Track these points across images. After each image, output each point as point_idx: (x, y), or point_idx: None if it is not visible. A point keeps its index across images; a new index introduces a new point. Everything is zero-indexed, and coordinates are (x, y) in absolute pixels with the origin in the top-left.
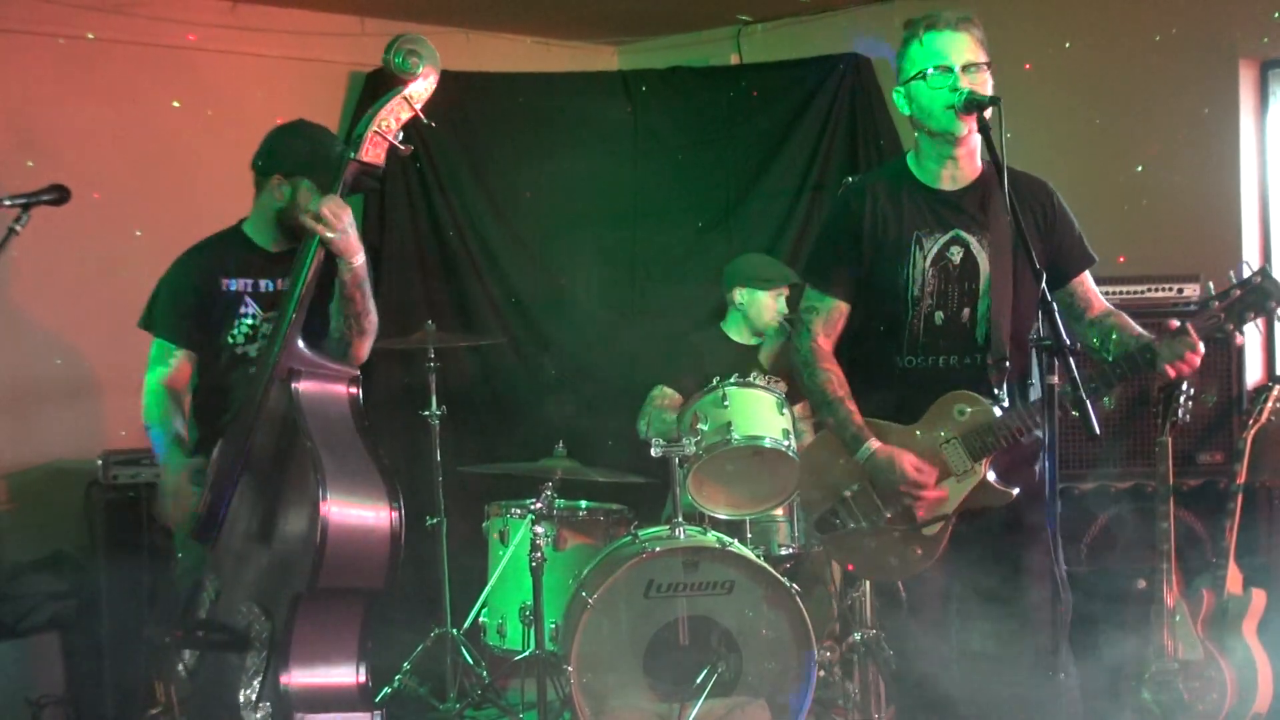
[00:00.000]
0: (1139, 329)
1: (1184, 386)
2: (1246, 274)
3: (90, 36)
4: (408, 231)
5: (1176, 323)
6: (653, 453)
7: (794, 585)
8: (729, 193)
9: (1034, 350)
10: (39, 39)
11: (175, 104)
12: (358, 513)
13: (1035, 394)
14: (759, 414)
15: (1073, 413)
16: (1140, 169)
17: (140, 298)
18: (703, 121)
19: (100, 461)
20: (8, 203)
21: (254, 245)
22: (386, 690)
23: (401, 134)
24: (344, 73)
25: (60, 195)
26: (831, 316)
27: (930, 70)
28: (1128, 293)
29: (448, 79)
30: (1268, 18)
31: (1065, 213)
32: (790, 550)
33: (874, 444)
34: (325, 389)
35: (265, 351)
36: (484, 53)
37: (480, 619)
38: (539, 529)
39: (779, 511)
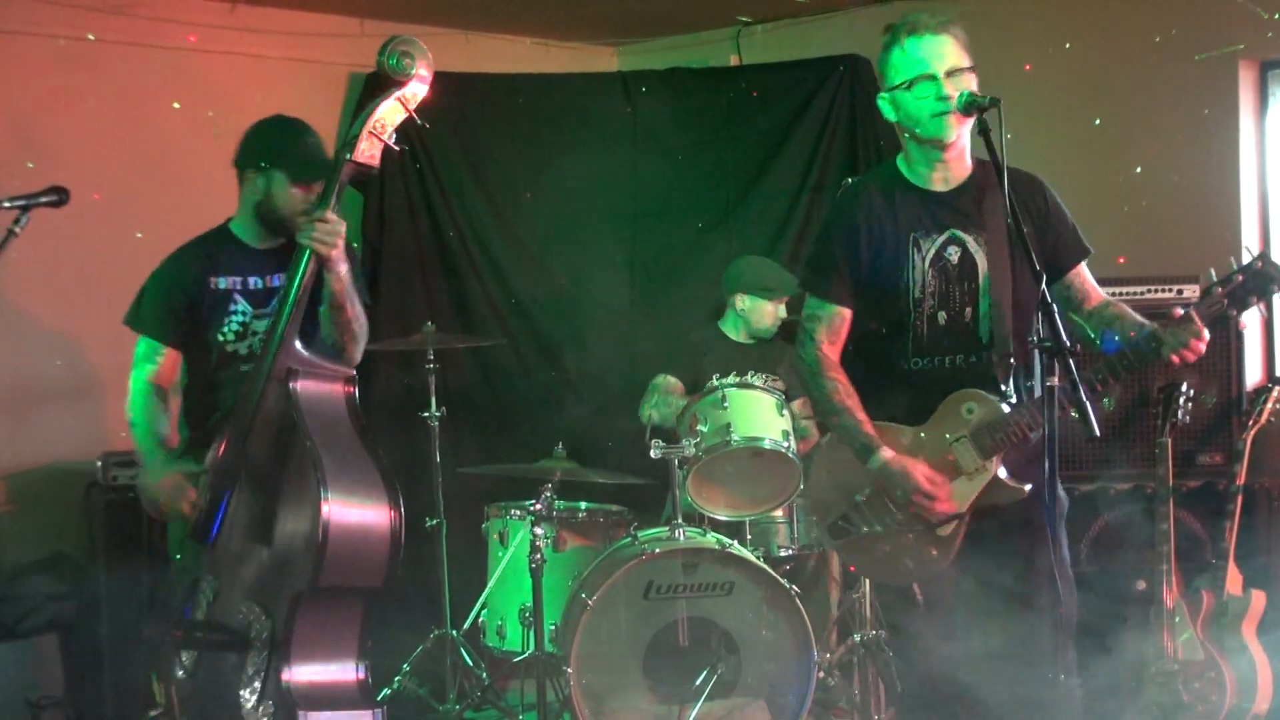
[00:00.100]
0: (1139, 318)
1: (1184, 387)
2: (1247, 259)
3: (90, 37)
4: (408, 232)
5: (1181, 311)
6: (652, 454)
7: (794, 587)
8: (729, 193)
9: (1034, 350)
10: (39, 39)
11: (175, 105)
12: (358, 512)
13: (1038, 391)
14: (758, 415)
15: (1072, 414)
16: (1140, 169)
17: None
18: (702, 122)
19: (100, 462)
20: (7, 205)
21: (241, 243)
22: (386, 691)
23: (395, 134)
24: (343, 74)
25: (59, 197)
26: (834, 323)
27: (915, 79)
28: (1127, 293)
29: (448, 80)
30: (1268, 18)
31: (1058, 206)
32: (790, 551)
33: (885, 454)
34: (323, 389)
35: (262, 351)
36: (484, 53)
37: (480, 620)
38: (538, 530)
39: (779, 513)
